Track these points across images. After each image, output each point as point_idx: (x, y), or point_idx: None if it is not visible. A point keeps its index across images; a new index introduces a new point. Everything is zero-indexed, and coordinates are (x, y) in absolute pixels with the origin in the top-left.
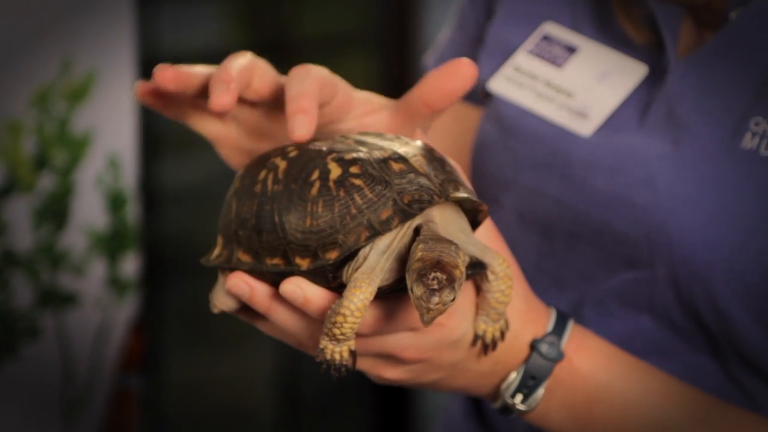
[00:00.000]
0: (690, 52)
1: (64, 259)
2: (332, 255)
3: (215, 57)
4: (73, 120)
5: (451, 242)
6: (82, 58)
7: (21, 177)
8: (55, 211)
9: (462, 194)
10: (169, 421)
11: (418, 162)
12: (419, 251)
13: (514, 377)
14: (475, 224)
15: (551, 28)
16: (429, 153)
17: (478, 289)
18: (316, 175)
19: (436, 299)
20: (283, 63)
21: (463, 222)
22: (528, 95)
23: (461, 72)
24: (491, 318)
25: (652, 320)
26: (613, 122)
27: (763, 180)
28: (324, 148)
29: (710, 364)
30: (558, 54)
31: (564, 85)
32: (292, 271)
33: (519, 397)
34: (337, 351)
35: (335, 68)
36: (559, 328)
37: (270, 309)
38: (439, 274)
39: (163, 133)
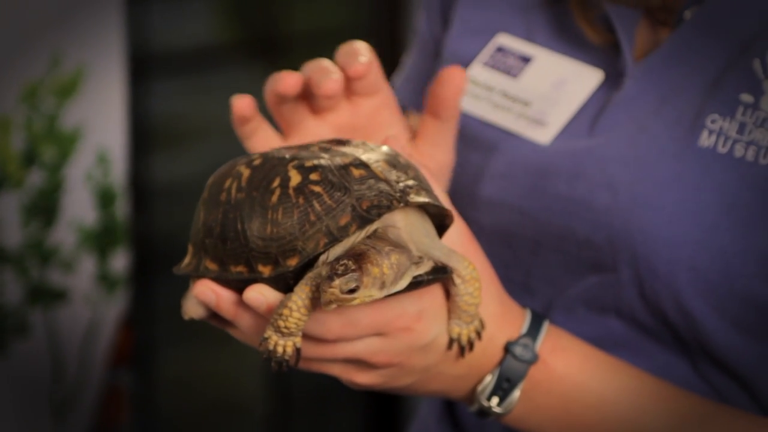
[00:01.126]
0: (646, 54)
1: (53, 256)
2: (292, 262)
3: (205, 53)
4: (62, 116)
5: (402, 248)
6: (71, 54)
7: (10, 173)
8: (45, 208)
9: (422, 199)
10: (160, 418)
11: (380, 168)
12: (357, 245)
13: (489, 380)
14: (442, 230)
15: (505, 39)
16: (393, 159)
17: (447, 293)
18: (276, 182)
19: (334, 283)
20: (272, 58)
21: (428, 226)
22: (485, 107)
23: (451, 78)
24: (464, 320)
25: (620, 321)
26: (570, 127)
27: (722, 177)
28: (287, 156)
29: (679, 361)
30: (513, 64)
31: (520, 95)
32: (255, 279)
33: (495, 400)
34: (281, 344)
35: None
36: (533, 330)
37: (236, 316)
38: (348, 262)
39: (152, 128)
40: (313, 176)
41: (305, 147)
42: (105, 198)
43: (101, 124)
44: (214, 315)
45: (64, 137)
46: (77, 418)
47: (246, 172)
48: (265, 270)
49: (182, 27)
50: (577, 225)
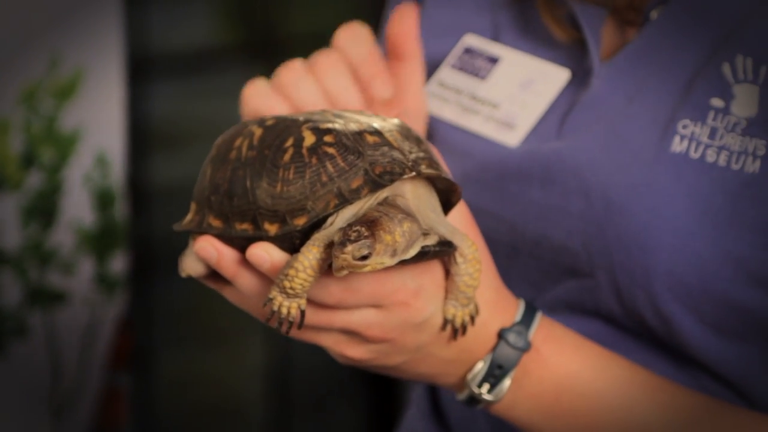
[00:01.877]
0: (613, 54)
1: (52, 257)
2: (300, 221)
3: (204, 55)
4: (61, 117)
5: (412, 217)
6: (70, 55)
7: (9, 175)
8: (43, 209)
9: (433, 171)
10: (159, 419)
11: (394, 137)
12: (369, 210)
13: (480, 367)
14: (448, 207)
15: (472, 40)
16: (406, 131)
17: (447, 273)
18: (290, 142)
19: (347, 249)
20: (272, 61)
21: (434, 202)
22: (454, 110)
23: (404, 15)
24: (460, 302)
25: (601, 323)
26: (539, 130)
27: (695, 183)
28: (300, 119)
29: (661, 360)
30: (481, 66)
31: (489, 97)
32: (260, 237)
33: (485, 387)
34: (285, 305)
35: None
36: (527, 318)
37: (236, 274)
38: (361, 228)
39: (151, 130)
40: (328, 138)
41: (318, 112)
42: (104, 200)
43: (100, 125)
44: (211, 275)
45: (63, 139)
46: (76, 420)
47: (258, 132)
48: (272, 228)
49: (181, 29)
50: (552, 231)
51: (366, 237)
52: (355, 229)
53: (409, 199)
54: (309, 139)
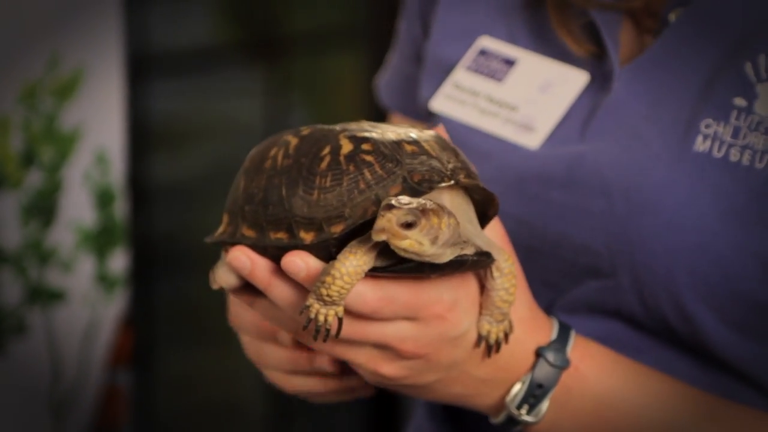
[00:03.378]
0: (631, 58)
1: (52, 256)
2: (337, 228)
3: (203, 53)
4: (61, 116)
5: (454, 217)
6: (70, 54)
7: (8, 174)
8: (43, 208)
9: (472, 180)
10: (159, 418)
11: (431, 147)
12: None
13: (519, 388)
14: (484, 220)
15: (488, 42)
16: (442, 142)
17: (482, 288)
18: (327, 150)
19: (394, 210)
20: (271, 59)
21: (471, 214)
22: (471, 112)
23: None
24: (495, 318)
25: (622, 323)
26: (559, 133)
27: (718, 182)
28: (337, 128)
29: (683, 359)
30: (497, 68)
31: (506, 99)
32: (296, 246)
33: (525, 408)
34: (323, 312)
35: (325, 64)
36: (562, 336)
37: (270, 284)
38: (411, 198)
39: (151, 129)
40: (366, 146)
41: (354, 123)
42: (104, 198)
43: (100, 124)
44: (243, 287)
45: (62, 138)
46: (76, 419)
47: (294, 141)
48: (308, 236)
49: (181, 27)
50: (573, 231)
51: (415, 207)
52: (404, 198)
53: (448, 208)
54: (346, 147)
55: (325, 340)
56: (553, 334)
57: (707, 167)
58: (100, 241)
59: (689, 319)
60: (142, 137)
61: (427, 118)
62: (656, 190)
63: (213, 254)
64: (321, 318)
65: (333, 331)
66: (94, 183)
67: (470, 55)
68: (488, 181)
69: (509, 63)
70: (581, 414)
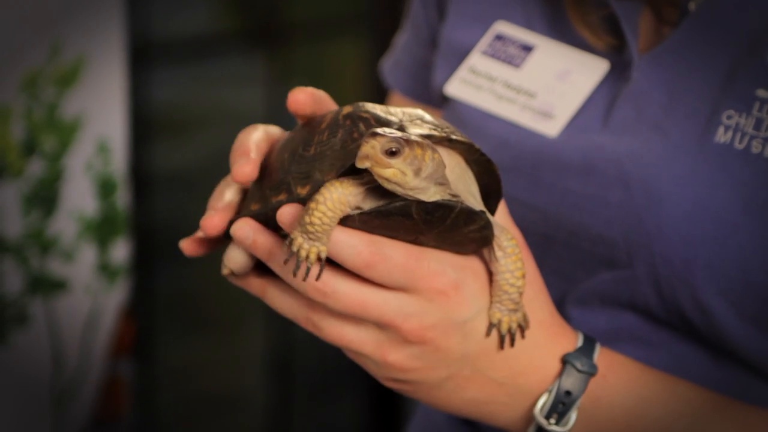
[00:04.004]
0: (651, 48)
1: (53, 245)
2: (330, 175)
3: (205, 41)
4: (63, 105)
5: (439, 154)
6: (72, 42)
7: (10, 163)
8: (45, 197)
9: (466, 139)
10: (161, 408)
11: (429, 119)
12: None
13: (546, 398)
14: (488, 201)
15: (504, 27)
16: (439, 121)
17: (490, 276)
18: (329, 116)
19: (377, 137)
20: (273, 47)
21: (474, 188)
22: (488, 98)
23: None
24: (506, 306)
25: (636, 316)
26: (578, 121)
27: (739, 174)
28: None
29: (697, 352)
30: (514, 53)
31: (524, 86)
32: (293, 202)
33: (554, 418)
34: (305, 247)
35: (326, 53)
36: (588, 345)
37: (272, 253)
38: (395, 129)
39: (153, 117)
40: (365, 107)
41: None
42: (105, 187)
43: (101, 113)
44: (253, 270)
45: (64, 126)
46: (77, 408)
47: (301, 123)
48: (303, 190)
49: (183, 16)
50: (589, 221)
51: (398, 136)
52: (389, 129)
53: (446, 165)
54: (347, 109)
55: (304, 279)
56: (579, 341)
57: (728, 159)
58: (101, 230)
59: (706, 312)
60: (144, 126)
61: (440, 102)
62: (676, 181)
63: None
64: (303, 253)
65: (314, 271)
66: (96, 172)
67: (486, 39)
68: (504, 168)
69: (527, 49)
70: (612, 424)
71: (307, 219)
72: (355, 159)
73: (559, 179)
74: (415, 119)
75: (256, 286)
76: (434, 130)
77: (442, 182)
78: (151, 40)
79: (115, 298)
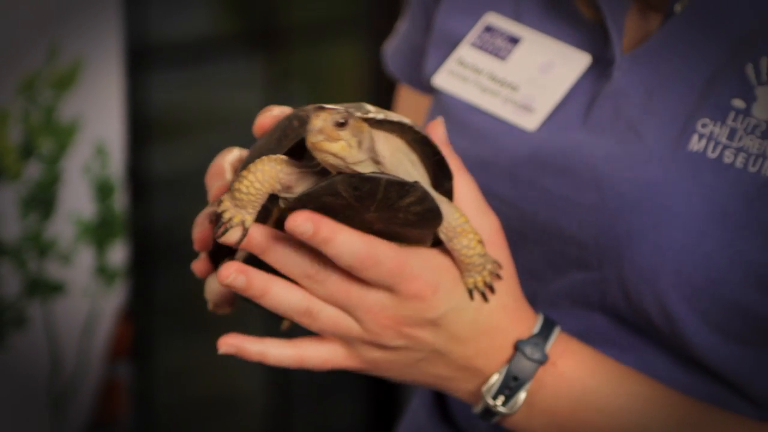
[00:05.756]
0: (637, 43)
1: (51, 248)
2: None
3: (203, 44)
4: (60, 108)
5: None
6: (69, 45)
7: (7, 165)
8: (42, 200)
9: (396, 119)
10: (159, 411)
11: (365, 107)
12: None
13: (496, 378)
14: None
15: (493, 19)
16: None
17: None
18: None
19: (324, 112)
20: (271, 50)
21: (417, 170)
22: (473, 90)
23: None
24: (475, 270)
25: (606, 318)
26: (558, 118)
27: (711, 183)
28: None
29: (665, 358)
30: (501, 46)
31: (508, 78)
32: None
33: (500, 399)
34: (231, 211)
35: (325, 56)
36: (545, 331)
37: (267, 248)
38: (339, 107)
39: (151, 120)
40: (305, 107)
41: (354, 104)
42: (103, 190)
43: (99, 116)
44: (254, 271)
45: (61, 129)
46: (75, 411)
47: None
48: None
49: (181, 18)
50: (562, 221)
51: (341, 111)
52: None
53: (384, 149)
54: (289, 111)
55: (219, 236)
56: (536, 327)
57: (700, 167)
58: (99, 233)
59: (672, 319)
60: (142, 129)
61: (431, 91)
62: (647, 188)
63: None
64: (227, 215)
65: (235, 236)
66: (94, 175)
67: (476, 31)
68: (484, 162)
69: (513, 41)
70: (556, 410)
71: (236, 185)
72: (305, 139)
73: (536, 177)
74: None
75: (259, 286)
76: (368, 113)
77: (378, 160)
78: (149, 42)
79: (113, 300)
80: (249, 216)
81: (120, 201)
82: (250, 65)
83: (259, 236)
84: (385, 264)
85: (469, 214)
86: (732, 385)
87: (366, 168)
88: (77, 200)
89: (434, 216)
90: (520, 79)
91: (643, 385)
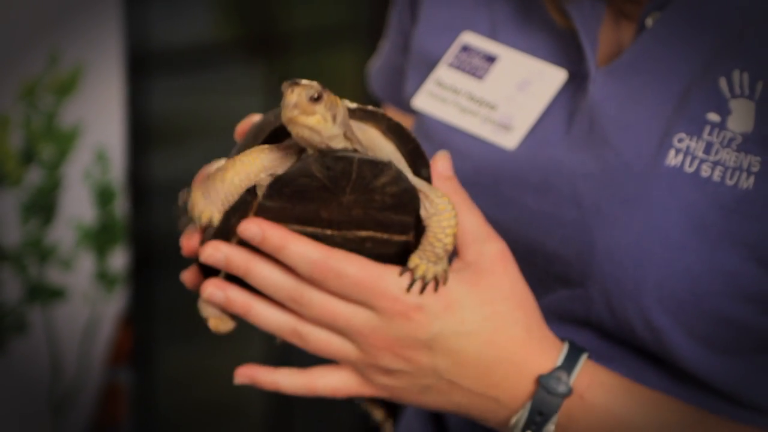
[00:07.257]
0: (612, 55)
1: (52, 254)
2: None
3: (204, 50)
4: (61, 114)
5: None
6: (70, 51)
7: (8, 171)
8: (43, 206)
9: (370, 108)
10: (159, 416)
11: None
12: None
13: (521, 413)
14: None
15: (470, 38)
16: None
17: (454, 296)
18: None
19: (299, 86)
20: (272, 56)
21: (393, 157)
22: (452, 111)
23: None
24: (427, 257)
25: (593, 333)
26: (537, 135)
27: (689, 197)
28: None
29: (654, 370)
30: (478, 65)
31: (486, 98)
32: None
33: (531, 431)
34: (200, 204)
35: (325, 62)
36: (569, 362)
37: (248, 269)
38: (315, 83)
39: (151, 126)
40: (285, 83)
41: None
42: (104, 196)
43: (100, 121)
44: (235, 290)
45: (62, 135)
46: (76, 416)
47: None
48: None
49: (181, 25)
50: (545, 239)
51: (316, 86)
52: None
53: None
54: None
55: (182, 227)
56: (560, 359)
57: (678, 182)
58: (100, 238)
59: (656, 332)
60: (142, 134)
61: (413, 111)
62: (626, 204)
63: None
64: (196, 211)
65: (201, 221)
66: (94, 180)
67: (453, 51)
68: (466, 181)
69: (490, 60)
70: None
71: (217, 176)
72: (281, 116)
73: (518, 195)
74: None
75: (240, 303)
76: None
77: (351, 138)
78: (150, 48)
79: (113, 306)
80: (218, 214)
81: (120, 207)
82: (251, 71)
83: (239, 259)
84: (348, 276)
85: (471, 242)
86: (722, 394)
87: (340, 144)
88: (78, 206)
89: (411, 198)
90: (498, 98)
91: (675, 411)
